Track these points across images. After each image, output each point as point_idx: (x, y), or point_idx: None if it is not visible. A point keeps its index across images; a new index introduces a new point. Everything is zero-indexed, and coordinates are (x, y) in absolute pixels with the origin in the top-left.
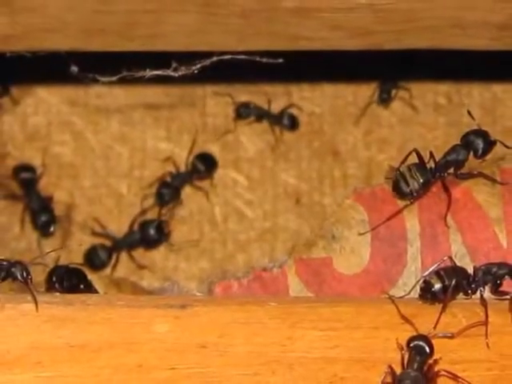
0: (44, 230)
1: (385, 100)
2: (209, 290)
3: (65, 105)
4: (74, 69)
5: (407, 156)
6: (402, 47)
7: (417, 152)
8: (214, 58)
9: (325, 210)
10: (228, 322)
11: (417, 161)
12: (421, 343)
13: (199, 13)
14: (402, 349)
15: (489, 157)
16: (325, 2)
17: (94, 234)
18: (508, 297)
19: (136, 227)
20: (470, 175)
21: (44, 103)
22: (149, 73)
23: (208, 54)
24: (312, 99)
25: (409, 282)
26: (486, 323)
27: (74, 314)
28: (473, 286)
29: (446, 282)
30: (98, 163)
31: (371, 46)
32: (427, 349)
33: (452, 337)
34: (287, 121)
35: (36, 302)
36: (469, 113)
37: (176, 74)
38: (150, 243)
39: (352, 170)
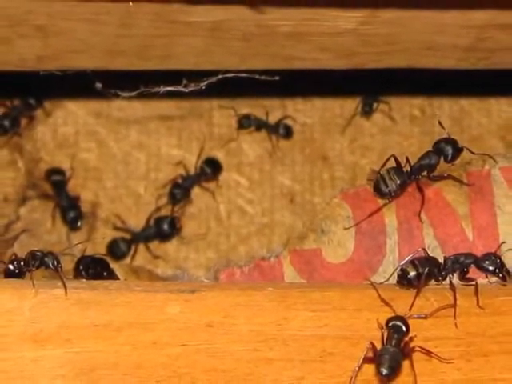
0: (72, 225)
1: (367, 112)
2: (215, 276)
3: (90, 116)
4: (99, 85)
5: (386, 161)
6: (383, 66)
7: (395, 157)
8: (219, 76)
9: (315, 208)
10: (231, 305)
11: (395, 165)
12: (398, 323)
13: (206, 37)
14: (382, 328)
15: (457, 161)
16: (315, 27)
17: (116, 228)
18: (473, 283)
19: (152, 222)
20: (440, 177)
21: (72, 115)
22: (163, 89)
23: (214, 72)
24: (304, 111)
25: (388, 270)
26: (454, 306)
27: (99, 297)
28: (443, 273)
29: (420, 270)
30: (118, 167)
31: (356, 66)
32: (404, 328)
33: (425, 317)
34: (283, 130)
35: (65, 288)
36: (440, 123)
37: (186, 90)
38: (163, 236)
39: (339, 172)
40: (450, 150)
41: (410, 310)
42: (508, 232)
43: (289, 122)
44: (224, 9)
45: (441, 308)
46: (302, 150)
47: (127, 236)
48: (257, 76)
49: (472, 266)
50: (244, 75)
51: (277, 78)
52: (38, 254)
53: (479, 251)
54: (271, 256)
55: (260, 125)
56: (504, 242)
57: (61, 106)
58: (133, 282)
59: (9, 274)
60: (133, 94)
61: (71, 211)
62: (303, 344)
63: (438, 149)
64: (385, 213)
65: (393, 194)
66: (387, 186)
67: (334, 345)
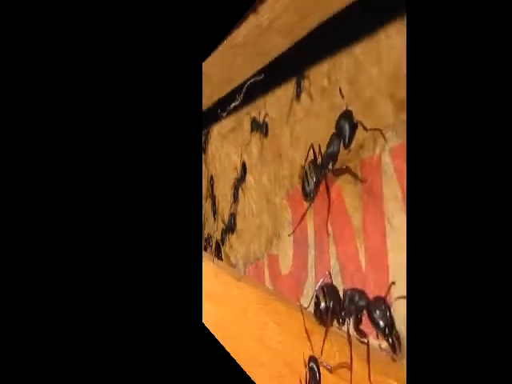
0: (213, 217)
1: (298, 94)
2: (244, 270)
3: (217, 135)
4: (218, 111)
5: (308, 153)
6: (312, 28)
7: (312, 148)
8: (246, 85)
9: (276, 209)
10: (247, 301)
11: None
12: (314, 367)
13: (239, 55)
14: (305, 366)
15: (353, 145)
16: (276, 12)
17: (222, 222)
18: (365, 340)
19: (227, 218)
20: (340, 171)
21: (214, 136)
22: (233, 105)
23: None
24: (272, 105)
25: (309, 292)
26: (350, 368)
27: (216, 272)
28: (342, 313)
29: (327, 303)
30: (222, 173)
31: (294, 40)
32: (317, 376)
33: (330, 371)
34: (264, 129)
35: (213, 261)
36: (340, 91)
37: (237, 103)
38: (232, 231)
39: (286, 170)
40: (347, 130)
41: (321, 353)
42: (398, 263)
43: (267, 119)
44: (245, 23)
45: (339, 366)
46: (270, 148)
47: (224, 227)
48: (256, 77)
49: (364, 312)
50: (253, 80)
51: (262, 75)
52: (207, 235)
53: (371, 289)
54: (260, 258)
55: (257, 126)
56: (393, 283)
57: (214, 131)
58: (225, 266)
59: (204, 248)
60: (225, 114)
61: (213, 207)
62: (272, 358)
63: (338, 130)
64: (307, 219)
65: (312, 195)
66: (309, 185)
67: (282, 368)
